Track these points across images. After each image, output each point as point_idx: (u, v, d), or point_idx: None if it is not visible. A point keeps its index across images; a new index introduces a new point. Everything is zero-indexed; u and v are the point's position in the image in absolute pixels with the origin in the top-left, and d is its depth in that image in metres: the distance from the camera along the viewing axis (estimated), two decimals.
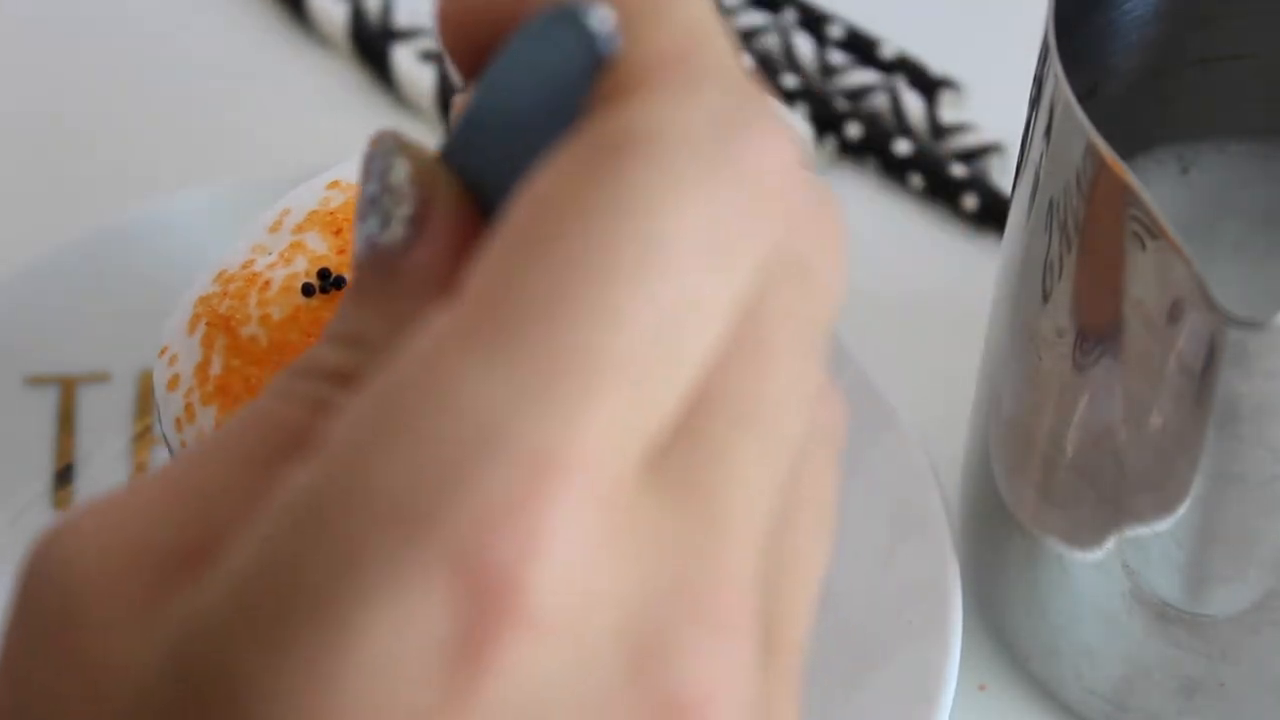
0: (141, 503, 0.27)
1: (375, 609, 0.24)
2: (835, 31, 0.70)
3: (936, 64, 0.69)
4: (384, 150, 0.29)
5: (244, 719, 0.24)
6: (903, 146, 0.66)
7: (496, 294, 0.25)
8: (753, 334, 0.27)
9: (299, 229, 0.47)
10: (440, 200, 0.29)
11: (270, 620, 0.24)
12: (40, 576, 0.27)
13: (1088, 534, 0.48)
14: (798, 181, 0.27)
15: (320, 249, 0.46)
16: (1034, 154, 0.46)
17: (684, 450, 0.26)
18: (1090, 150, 0.42)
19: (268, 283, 0.46)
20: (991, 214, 0.64)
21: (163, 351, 0.47)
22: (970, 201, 0.64)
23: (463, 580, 0.24)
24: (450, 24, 0.29)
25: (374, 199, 0.29)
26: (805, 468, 0.28)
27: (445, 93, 0.67)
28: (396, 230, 0.29)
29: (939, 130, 0.66)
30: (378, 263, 0.28)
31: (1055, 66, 0.43)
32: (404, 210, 0.29)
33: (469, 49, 0.29)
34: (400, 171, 0.29)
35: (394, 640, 0.24)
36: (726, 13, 0.70)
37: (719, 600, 0.26)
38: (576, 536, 0.25)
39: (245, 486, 0.26)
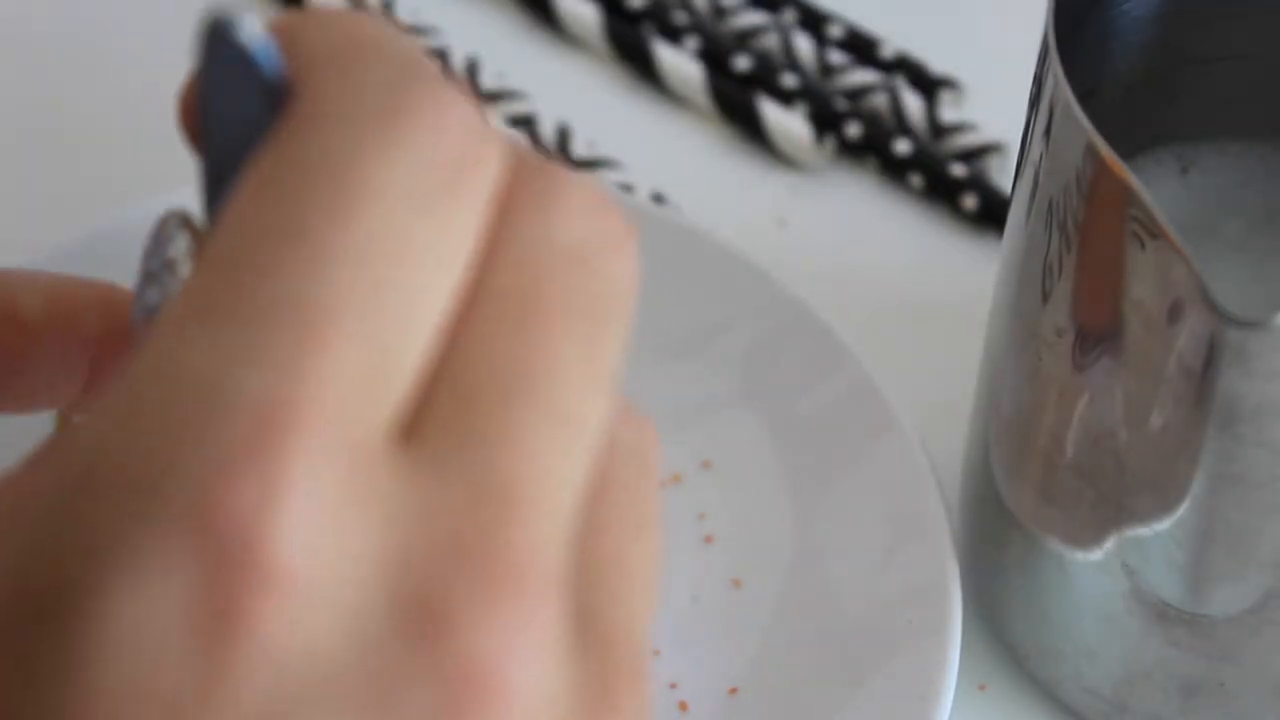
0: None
1: (116, 591, 0.23)
2: (835, 31, 0.70)
3: (936, 64, 0.69)
4: (168, 229, 0.30)
5: (6, 698, 0.24)
6: (903, 146, 0.66)
7: (210, 273, 0.25)
8: (504, 290, 0.26)
9: None
10: None
11: (17, 633, 0.24)
12: None
13: (1088, 534, 0.48)
14: (487, 131, 0.27)
15: None
16: (1034, 154, 0.46)
17: (447, 415, 0.25)
18: (1090, 150, 0.42)
19: None
20: (991, 214, 0.64)
21: None
22: (970, 201, 0.64)
23: (199, 543, 0.23)
24: (187, 110, 0.30)
25: (154, 273, 0.30)
26: (615, 475, 0.27)
27: None
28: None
29: (939, 130, 0.66)
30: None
31: (1055, 66, 0.43)
32: (181, 280, 0.29)
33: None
34: (180, 246, 0.30)
35: (141, 620, 0.23)
36: (726, 13, 0.70)
37: (506, 565, 0.25)
38: (316, 491, 0.24)
39: None
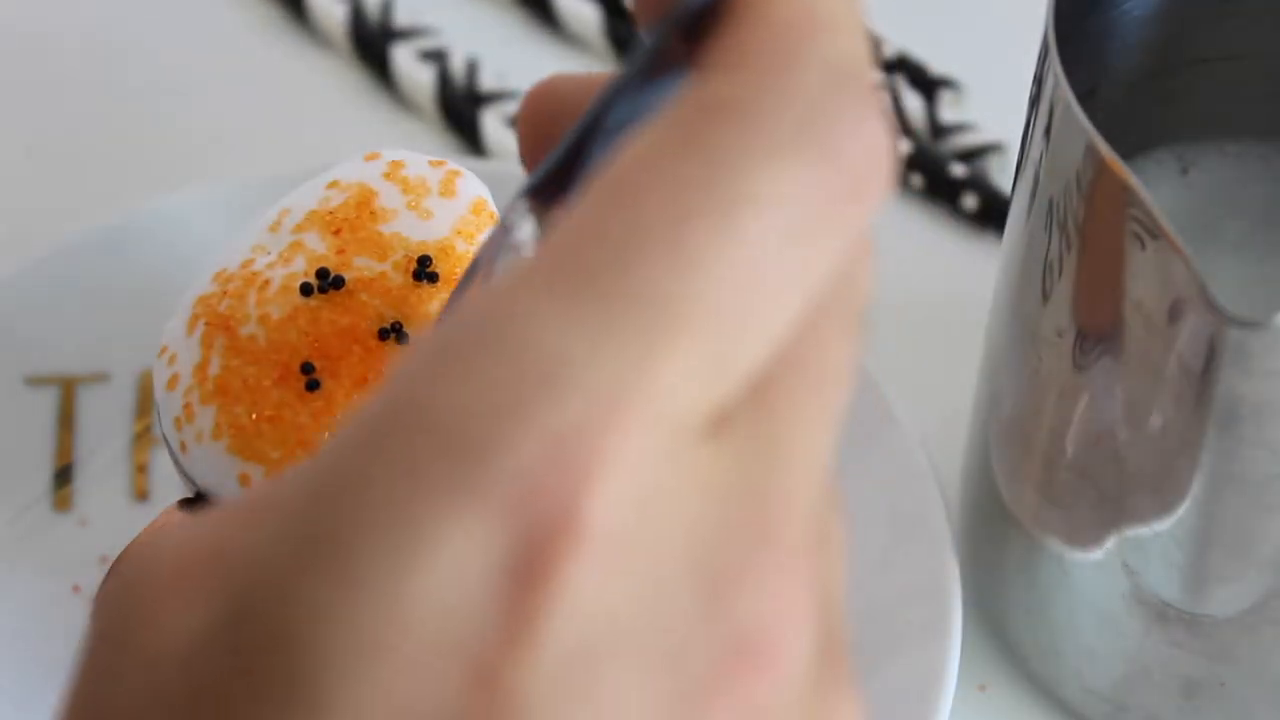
0: (208, 518, 0.27)
1: (435, 535, 0.24)
2: None
3: (936, 64, 0.69)
4: (517, 211, 0.30)
5: (302, 653, 0.24)
6: (902, 146, 0.66)
7: (579, 239, 0.25)
8: (826, 308, 0.27)
9: (298, 229, 0.47)
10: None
11: (328, 549, 0.24)
12: (107, 597, 0.27)
13: (1088, 534, 0.48)
14: (887, 171, 0.27)
15: (320, 249, 0.46)
16: (1034, 154, 0.46)
17: (753, 405, 0.26)
18: (1090, 150, 0.42)
19: (267, 282, 0.46)
20: (991, 214, 0.64)
21: (162, 351, 0.47)
22: (970, 201, 0.64)
23: (522, 506, 0.24)
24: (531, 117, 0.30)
25: (496, 257, 0.30)
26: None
27: (445, 92, 0.67)
28: None
29: (939, 130, 0.66)
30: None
31: (1055, 66, 0.43)
32: None
33: (541, 136, 0.30)
34: (528, 231, 0.29)
35: (455, 566, 0.24)
36: None
37: (785, 541, 0.26)
38: (638, 472, 0.25)
39: None
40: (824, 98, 0.27)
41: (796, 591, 0.26)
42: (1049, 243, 0.45)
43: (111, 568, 0.27)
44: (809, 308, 0.27)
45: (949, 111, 0.67)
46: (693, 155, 0.26)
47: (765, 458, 0.26)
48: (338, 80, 0.69)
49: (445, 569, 0.24)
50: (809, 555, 0.27)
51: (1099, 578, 0.49)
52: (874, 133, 0.27)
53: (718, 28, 0.27)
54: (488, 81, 0.68)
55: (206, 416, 0.45)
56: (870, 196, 0.27)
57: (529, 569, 0.24)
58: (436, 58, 0.69)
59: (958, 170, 0.65)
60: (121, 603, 0.26)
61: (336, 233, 0.46)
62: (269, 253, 0.47)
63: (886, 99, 0.29)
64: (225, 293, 0.46)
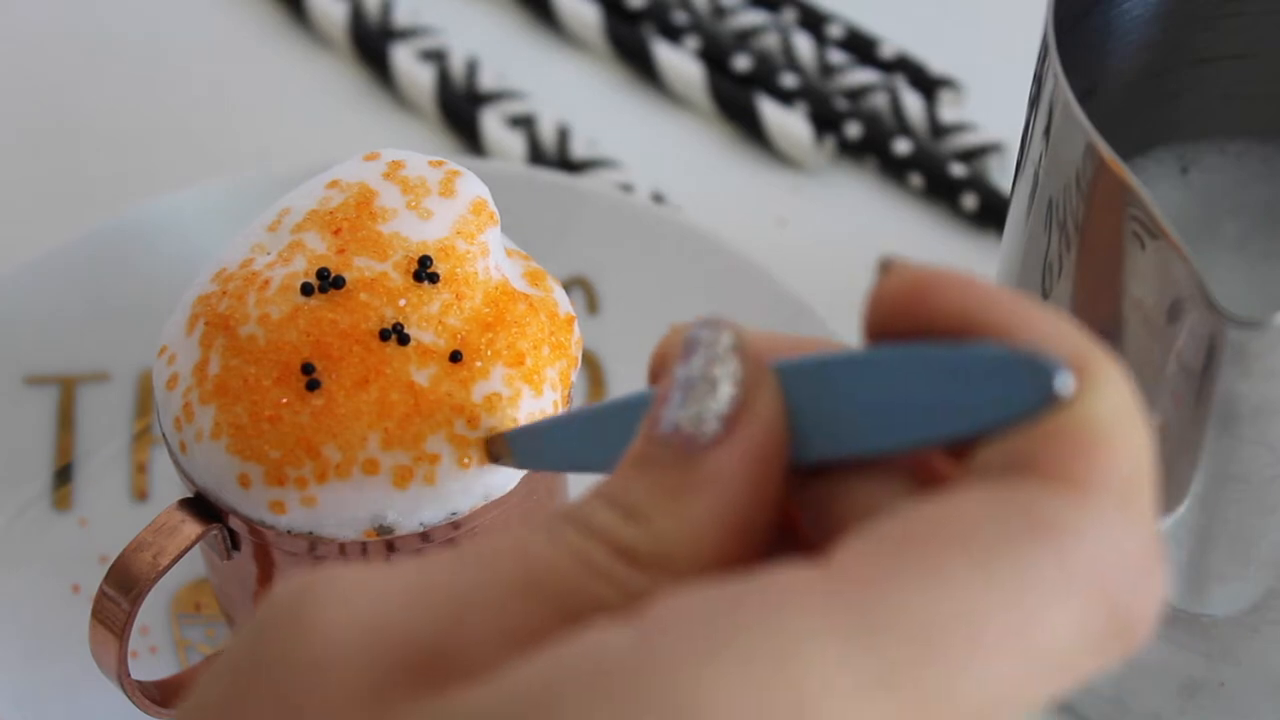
0: (394, 588, 0.28)
1: None
2: (835, 31, 0.70)
3: (936, 64, 0.69)
4: (718, 338, 0.30)
5: None
6: (902, 146, 0.66)
7: (869, 577, 0.26)
8: None
9: (298, 228, 0.47)
10: (760, 409, 0.30)
11: None
12: (282, 611, 0.28)
13: None
14: (1149, 627, 0.28)
15: (319, 248, 0.46)
16: (1034, 154, 0.46)
17: None
18: (1090, 150, 0.42)
19: (267, 282, 0.46)
20: (991, 213, 0.64)
21: (162, 351, 0.47)
22: (970, 201, 0.64)
23: None
24: (888, 304, 0.30)
25: (693, 382, 0.30)
26: None
27: (444, 93, 0.67)
28: (709, 423, 0.29)
29: (939, 130, 0.66)
30: (678, 446, 0.29)
31: (1055, 66, 0.43)
32: (721, 405, 0.29)
33: (890, 321, 0.30)
34: (729, 365, 0.30)
35: None
36: (726, 13, 0.70)
37: None
38: None
39: (504, 613, 0.27)
40: (1127, 546, 0.28)
41: None
42: (1049, 242, 0.45)
43: (294, 581, 0.28)
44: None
45: (949, 111, 0.67)
46: (1003, 558, 0.27)
47: None
48: (338, 80, 0.69)
49: None
50: None
51: None
52: (1158, 587, 0.28)
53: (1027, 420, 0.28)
54: (488, 81, 0.68)
55: (206, 416, 0.45)
56: (1126, 652, 0.28)
57: None
58: (436, 58, 0.69)
59: (958, 170, 0.65)
60: (287, 628, 0.27)
61: (336, 233, 0.46)
62: (268, 252, 0.47)
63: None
64: (225, 292, 0.46)
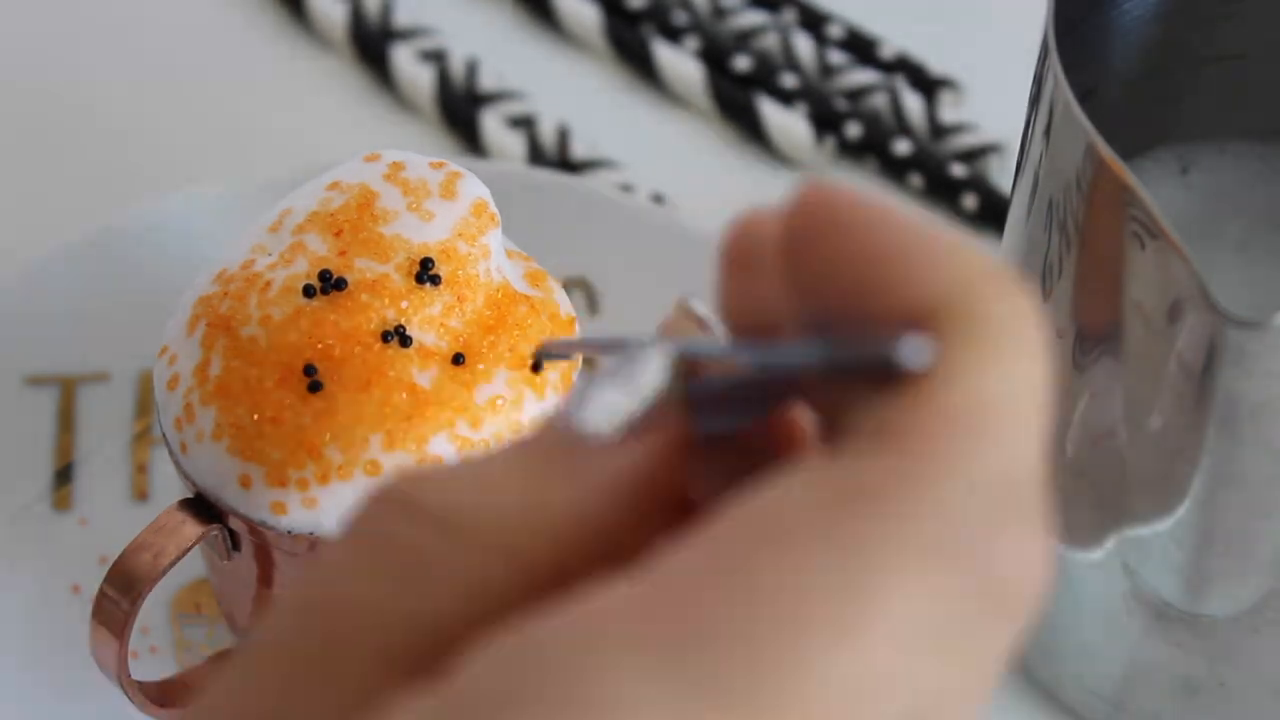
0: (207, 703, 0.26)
1: None
2: (835, 31, 0.70)
3: (936, 64, 0.69)
4: (657, 348, 0.28)
5: None
6: (902, 146, 0.66)
7: (688, 593, 0.24)
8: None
9: (299, 229, 0.47)
10: (661, 428, 0.28)
11: None
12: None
13: (1088, 534, 0.48)
14: (1035, 595, 0.26)
15: (321, 250, 0.46)
16: (1034, 154, 0.46)
17: None
18: (1090, 150, 0.42)
19: (268, 283, 0.46)
20: (991, 214, 0.64)
21: (162, 351, 0.47)
22: (970, 201, 0.64)
23: None
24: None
25: (607, 383, 0.28)
26: None
27: (444, 93, 0.67)
28: (608, 424, 0.28)
29: (938, 130, 0.66)
30: (568, 433, 0.28)
31: (1055, 66, 0.43)
32: (628, 416, 0.28)
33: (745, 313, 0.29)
34: (653, 380, 0.28)
35: None
36: (726, 13, 0.70)
37: None
38: None
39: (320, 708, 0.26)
40: (982, 510, 0.26)
41: None
42: (1049, 243, 0.45)
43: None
44: (912, 713, 0.25)
45: (949, 111, 0.67)
46: (834, 542, 0.25)
47: None
48: (338, 80, 0.69)
49: None
50: None
51: (1099, 578, 0.49)
52: (1030, 555, 0.26)
53: (890, 386, 0.26)
54: (487, 81, 0.68)
55: (207, 417, 0.45)
56: (1012, 619, 0.26)
57: None
58: (436, 58, 0.69)
59: (958, 170, 0.65)
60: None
61: (338, 234, 0.46)
62: (269, 253, 0.47)
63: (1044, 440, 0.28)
64: (226, 293, 0.46)
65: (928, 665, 0.25)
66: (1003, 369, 0.27)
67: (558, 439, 0.28)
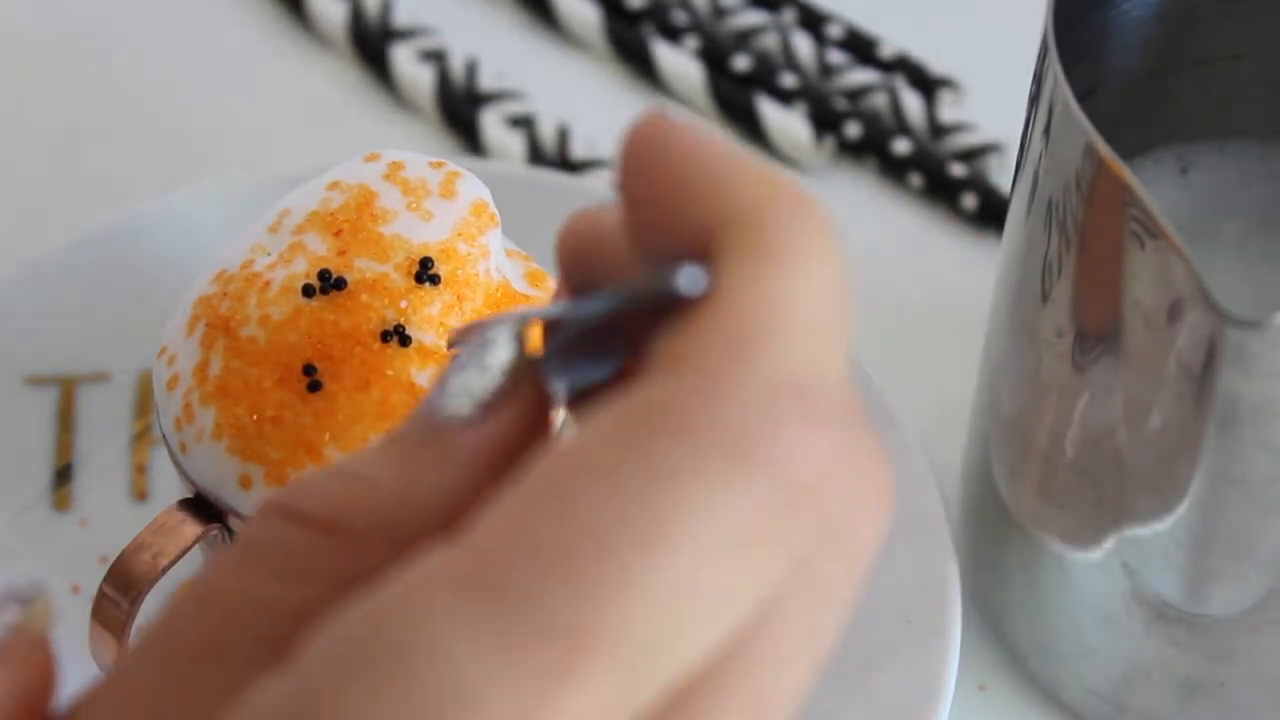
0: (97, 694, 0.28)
1: None
2: (834, 31, 0.70)
3: (936, 64, 0.69)
4: (500, 336, 0.30)
5: None
6: (902, 146, 0.66)
7: (501, 543, 0.25)
8: (762, 634, 0.27)
9: (299, 229, 0.47)
10: (518, 398, 0.29)
11: None
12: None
13: (1088, 534, 0.48)
14: (836, 483, 0.27)
15: (320, 250, 0.46)
16: (1033, 153, 0.46)
17: (675, 713, 0.26)
18: (1090, 150, 0.42)
19: (267, 283, 0.46)
20: (991, 214, 0.64)
21: (162, 351, 0.47)
22: (969, 201, 0.64)
23: None
24: (568, 246, 0.30)
25: (463, 368, 0.30)
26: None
27: (444, 93, 0.67)
28: (465, 406, 0.29)
29: (938, 130, 0.66)
30: (431, 422, 0.29)
31: (1055, 66, 0.43)
32: (482, 395, 0.29)
33: (576, 270, 0.30)
34: (501, 356, 0.30)
35: None
36: (726, 13, 0.70)
37: None
38: None
39: (214, 682, 0.27)
40: (767, 410, 0.26)
41: None
42: (1048, 243, 0.45)
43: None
44: (748, 614, 0.26)
45: (949, 111, 0.67)
46: (627, 466, 0.25)
47: None
48: (338, 80, 0.69)
49: None
50: None
51: (1099, 578, 0.49)
52: (823, 445, 0.26)
53: (681, 315, 0.27)
54: (487, 81, 0.68)
55: (207, 417, 0.45)
56: (820, 506, 0.26)
57: None
58: (436, 58, 0.69)
59: (957, 170, 0.65)
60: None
61: (337, 234, 0.46)
62: (269, 253, 0.47)
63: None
64: (225, 294, 0.46)
65: (751, 566, 0.26)
66: (780, 278, 0.27)
67: (423, 428, 0.29)
